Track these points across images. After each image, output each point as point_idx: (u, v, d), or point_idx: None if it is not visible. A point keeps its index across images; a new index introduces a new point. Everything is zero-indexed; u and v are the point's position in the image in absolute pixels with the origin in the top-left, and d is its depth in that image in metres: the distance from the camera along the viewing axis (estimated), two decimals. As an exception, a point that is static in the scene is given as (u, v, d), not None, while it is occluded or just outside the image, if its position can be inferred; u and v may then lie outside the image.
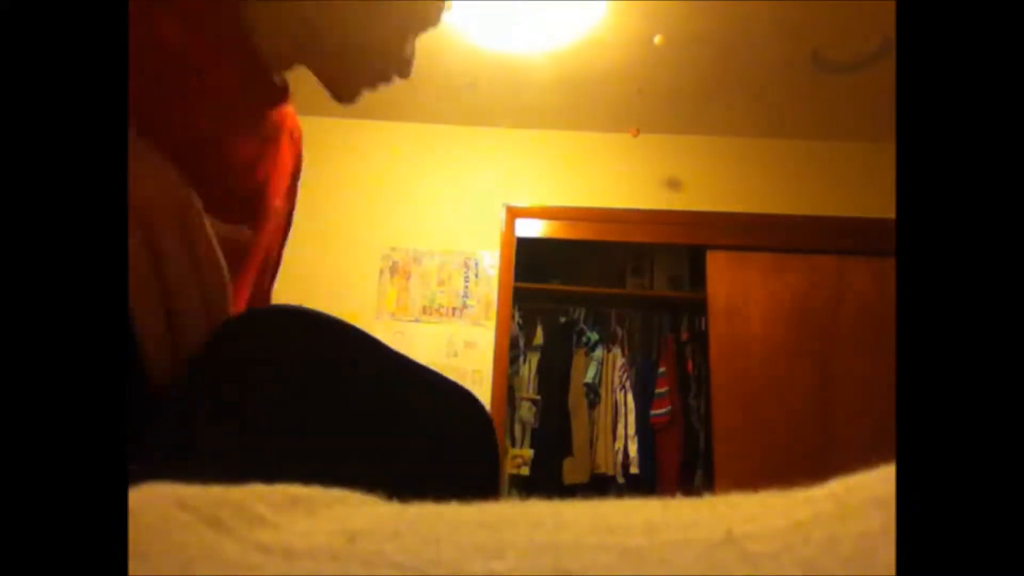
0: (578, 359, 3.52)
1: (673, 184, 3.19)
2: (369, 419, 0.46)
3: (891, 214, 2.90)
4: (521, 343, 3.61)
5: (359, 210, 3.19)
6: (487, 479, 0.55)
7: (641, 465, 3.29)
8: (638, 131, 3.09)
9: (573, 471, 3.34)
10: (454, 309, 3.06)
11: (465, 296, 3.07)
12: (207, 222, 0.46)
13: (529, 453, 3.41)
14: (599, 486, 3.30)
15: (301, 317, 0.45)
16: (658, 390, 3.41)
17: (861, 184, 3.09)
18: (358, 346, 0.48)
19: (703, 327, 3.24)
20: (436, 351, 2.99)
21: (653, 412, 3.38)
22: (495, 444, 0.55)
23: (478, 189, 3.21)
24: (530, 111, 3.11)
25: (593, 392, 3.43)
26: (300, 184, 0.86)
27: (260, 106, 0.71)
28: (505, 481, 3.27)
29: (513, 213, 3.17)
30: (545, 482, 3.29)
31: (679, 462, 3.32)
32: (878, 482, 0.18)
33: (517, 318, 3.53)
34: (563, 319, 3.67)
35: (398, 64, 0.72)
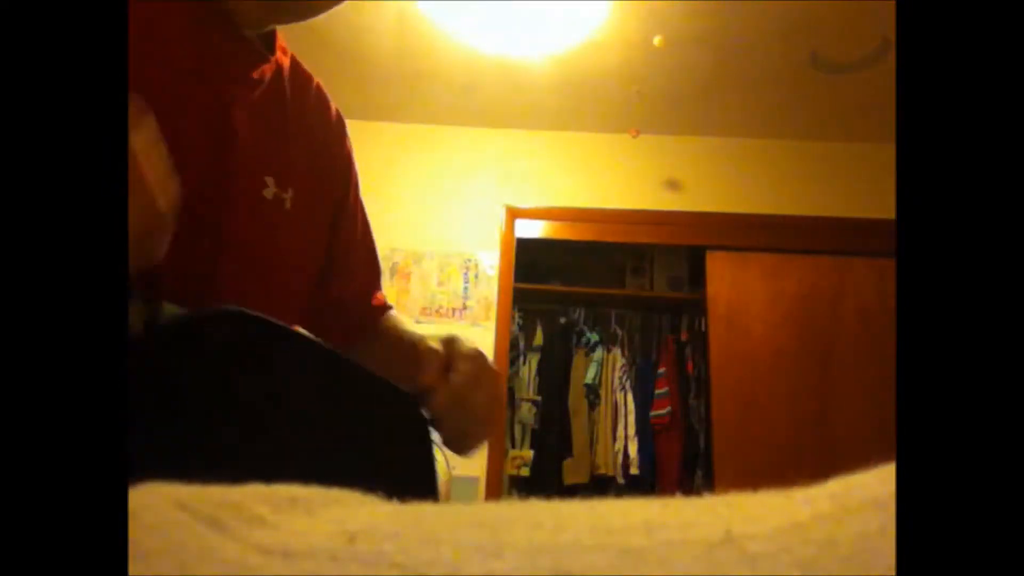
0: (578, 360, 3.52)
1: (673, 184, 3.19)
2: (307, 420, 0.47)
3: (891, 214, 2.90)
4: (521, 344, 3.61)
5: (359, 211, 3.19)
6: (424, 478, 0.56)
7: (641, 465, 3.28)
8: (638, 132, 3.08)
9: (573, 472, 3.34)
10: (454, 310, 3.06)
11: (465, 297, 3.07)
12: None
13: (529, 454, 3.40)
14: (599, 487, 3.30)
15: (239, 320, 0.45)
16: (658, 391, 3.41)
17: (861, 184, 3.09)
18: (296, 347, 0.49)
19: (703, 328, 3.24)
20: (436, 352, 2.98)
21: (653, 413, 3.37)
22: (429, 444, 0.57)
23: (478, 190, 3.21)
24: (530, 112, 3.11)
25: (593, 393, 3.43)
26: None
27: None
28: (505, 482, 3.27)
29: (513, 214, 3.17)
30: (545, 483, 3.28)
31: (679, 462, 3.32)
32: (878, 482, 0.18)
33: (517, 319, 3.53)
34: (563, 320, 3.67)
35: None
